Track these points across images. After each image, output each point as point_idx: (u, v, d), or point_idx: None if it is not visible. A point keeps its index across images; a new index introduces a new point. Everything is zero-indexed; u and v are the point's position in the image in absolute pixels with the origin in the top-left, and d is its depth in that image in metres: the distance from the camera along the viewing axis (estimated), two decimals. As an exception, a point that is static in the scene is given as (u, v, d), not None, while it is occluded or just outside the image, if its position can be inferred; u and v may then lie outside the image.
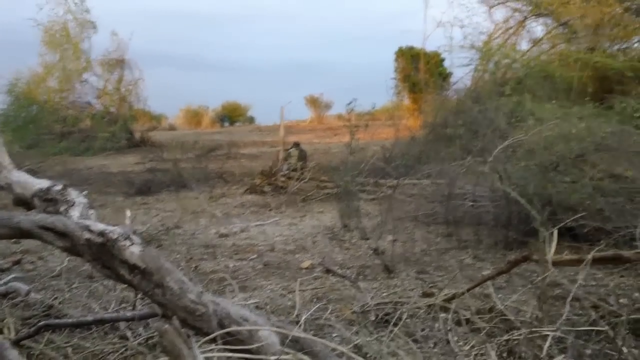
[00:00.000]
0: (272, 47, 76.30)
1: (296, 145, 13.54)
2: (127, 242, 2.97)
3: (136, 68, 25.24)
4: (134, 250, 2.92)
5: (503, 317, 3.71)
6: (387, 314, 3.94)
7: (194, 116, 40.37)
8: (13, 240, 6.43)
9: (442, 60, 21.95)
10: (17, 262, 5.73)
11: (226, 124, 41.48)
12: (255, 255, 6.05)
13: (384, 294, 4.54)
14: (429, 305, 3.97)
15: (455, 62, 21.72)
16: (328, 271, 5.31)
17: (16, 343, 3.19)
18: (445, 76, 20.52)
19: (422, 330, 3.67)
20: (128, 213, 3.41)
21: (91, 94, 24.94)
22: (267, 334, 2.59)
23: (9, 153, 4.48)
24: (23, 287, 4.64)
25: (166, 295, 2.78)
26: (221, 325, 2.67)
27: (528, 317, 3.63)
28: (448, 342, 3.46)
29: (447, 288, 4.44)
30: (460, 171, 7.26)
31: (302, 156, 12.81)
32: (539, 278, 3.60)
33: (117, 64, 24.88)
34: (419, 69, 22.59)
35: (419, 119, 19.56)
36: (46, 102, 23.57)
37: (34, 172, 11.70)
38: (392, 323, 3.72)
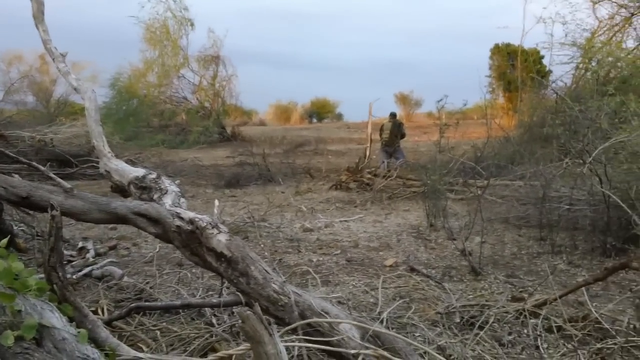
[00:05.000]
0: (361, 45, 76.35)
1: (392, 115, 13.28)
2: (215, 231, 3.04)
3: (230, 65, 26.00)
4: (220, 239, 2.98)
5: (597, 325, 3.53)
6: (472, 317, 3.82)
7: (284, 112, 41.08)
8: (110, 226, 6.77)
9: (541, 57, 21.11)
10: (113, 248, 6.01)
11: (314, 120, 41.91)
12: (338, 251, 6.05)
13: (470, 296, 4.42)
14: (518, 310, 3.82)
15: (555, 60, 20.73)
16: (412, 270, 5.23)
17: (108, 323, 3.33)
18: (543, 74, 19.68)
19: (510, 335, 3.53)
20: (217, 203, 3.49)
21: (187, 89, 25.95)
22: (348, 328, 2.57)
23: (109, 144, 4.72)
24: (118, 271, 4.86)
25: (250, 284, 2.82)
26: (302, 317, 2.67)
27: (624, 327, 3.43)
28: (537, 348, 3.33)
29: (538, 293, 4.28)
30: (557, 173, 6.96)
31: (397, 129, 12.53)
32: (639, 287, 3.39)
33: (212, 60, 25.72)
34: (515, 67, 21.86)
35: (513, 118, 18.94)
36: (145, 96, 24.69)
37: (132, 163, 12.28)
38: (477, 326, 3.61)
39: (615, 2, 15.59)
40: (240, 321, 1.86)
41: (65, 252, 5.51)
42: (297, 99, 42.60)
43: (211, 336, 3.33)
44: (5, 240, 2.09)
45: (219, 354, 2.29)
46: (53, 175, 3.64)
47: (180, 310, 3.74)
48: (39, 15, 4.32)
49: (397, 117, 13.33)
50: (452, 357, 3.11)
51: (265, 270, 2.87)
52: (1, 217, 4.08)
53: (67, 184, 3.62)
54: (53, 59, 4.35)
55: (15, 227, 5.39)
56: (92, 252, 5.57)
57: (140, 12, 28.51)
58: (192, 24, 24.93)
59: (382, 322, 3.57)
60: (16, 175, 3.94)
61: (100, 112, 4.69)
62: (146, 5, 26.20)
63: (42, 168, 3.77)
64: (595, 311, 3.67)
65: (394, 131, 12.50)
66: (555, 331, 3.51)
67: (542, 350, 3.29)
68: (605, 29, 15.61)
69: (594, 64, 14.53)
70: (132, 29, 31.13)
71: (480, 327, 3.59)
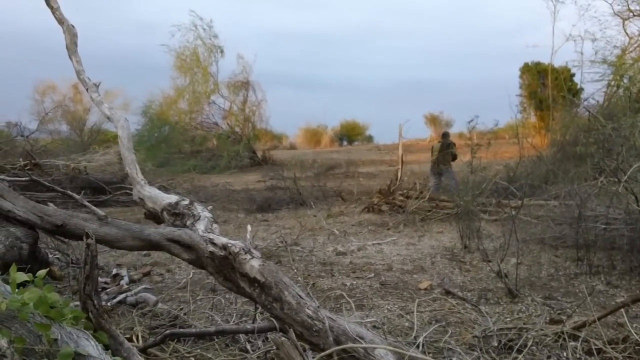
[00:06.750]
0: (388, 65, 75.82)
1: (443, 136, 12.98)
2: (248, 256, 3.04)
3: (259, 89, 26.28)
4: (254, 264, 2.98)
5: (638, 347, 3.43)
6: (510, 340, 3.73)
7: (313, 135, 41.23)
8: (144, 252, 6.82)
9: (572, 75, 20.88)
10: (147, 274, 6.04)
11: (345, 142, 41.97)
12: (372, 274, 5.99)
13: (507, 319, 4.32)
14: (557, 333, 3.72)
15: (586, 78, 20.42)
16: (447, 293, 5.14)
17: (143, 351, 3.34)
18: (575, 92, 19.41)
19: (549, 358, 3.44)
20: (249, 228, 3.49)
21: (218, 115, 26.28)
22: (384, 353, 2.53)
23: (142, 171, 4.78)
24: (152, 297, 4.88)
25: (284, 309, 2.80)
26: (337, 342, 2.64)
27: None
28: (579, 373, 3.23)
29: (576, 315, 4.17)
30: (592, 192, 6.82)
31: (446, 148, 12.14)
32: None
33: (242, 85, 26.02)
34: (546, 85, 21.65)
35: (545, 137, 18.71)
36: (177, 123, 25.04)
37: (164, 189, 12.44)
38: (515, 350, 3.52)
39: (646, 19, 15.40)
40: (274, 347, 1.84)
41: (100, 279, 5.57)
42: (326, 121, 42.80)
43: (246, 363, 3.31)
44: (44, 271, 2.12)
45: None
46: (87, 203, 3.70)
47: (215, 337, 3.74)
48: (72, 47, 4.43)
49: (449, 137, 12.88)
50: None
51: (299, 295, 2.85)
52: (36, 245, 4.14)
53: (101, 212, 3.67)
54: (86, 89, 4.44)
55: (50, 255, 5.47)
56: (126, 279, 5.61)
57: (171, 41, 29.12)
58: (221, 51, 25.35)
59: (418, 347, 3.51)
60: (51, 204, 4.01)
61: (132, 139, 4.80)
62: (176, 34, 26.75)
63: (76, 196, 3.84)
64: (636, 333, 3.56)
65: (444, 149, 12.16)
66: (595, 354, 3.42)
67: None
68: (636, 45, 15.42)
69: (625, 80, 14.34)
70: (163, 56, 31.88)
71: (519, 351, 3.51)
